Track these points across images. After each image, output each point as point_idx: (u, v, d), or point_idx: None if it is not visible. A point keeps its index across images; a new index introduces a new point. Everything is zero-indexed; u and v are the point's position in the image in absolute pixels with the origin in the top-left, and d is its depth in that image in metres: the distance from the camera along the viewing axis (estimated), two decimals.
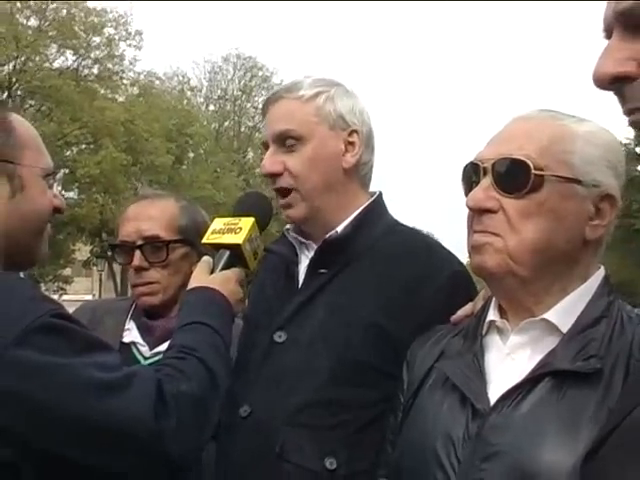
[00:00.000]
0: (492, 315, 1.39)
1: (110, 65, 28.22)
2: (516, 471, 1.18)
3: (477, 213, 1.35)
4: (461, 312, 1.55)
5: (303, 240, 1.84)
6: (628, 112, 0.93)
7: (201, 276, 1.67)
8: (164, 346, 1.97)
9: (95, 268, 40.50)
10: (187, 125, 33.82)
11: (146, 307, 2.12)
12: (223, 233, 1.72)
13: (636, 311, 1.33)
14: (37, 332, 1.23)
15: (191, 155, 36.97)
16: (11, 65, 24.62)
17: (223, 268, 1.69)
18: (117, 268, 32.98)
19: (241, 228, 1.71)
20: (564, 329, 1.29)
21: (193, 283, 1.66)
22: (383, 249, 1.77)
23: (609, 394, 1.17)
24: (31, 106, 25.75)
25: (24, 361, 1.21)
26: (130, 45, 28.40)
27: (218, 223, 1.76)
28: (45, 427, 1.22)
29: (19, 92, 25.23)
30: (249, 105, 44.76)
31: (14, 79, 24.65)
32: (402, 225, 1.91)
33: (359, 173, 1.82)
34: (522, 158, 1.31)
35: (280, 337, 1.74)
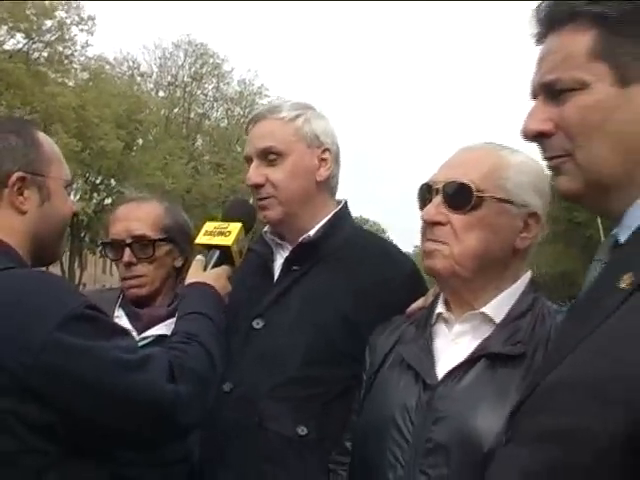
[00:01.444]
0: (440, 308, 1.69)
1: (60, 48, 27.75)
2: (458, 431, 1.48)
3: (429, 225, 1.65)
4: (415, 305, 1.83)
5: (279, 241, 2.13)
6: (546, 159, 1.24)
7: (197, 273, 1.92)
8: (150, 331, 2.24)
9: None
10: (137, 111, 33.44)
11: (134, 298, 2.36)
12: (214, 235, 1.96)
13: (554, 306, 1.66)
14: (74, 320, 1.49)
15: (140, 142, 36.56)
16: None
17: (214, 266, 1.94)
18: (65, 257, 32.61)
19: (230, 232, 1.95)
20: (497, 320, 1.59)
21: (190, 279, 1.91)
22: (349, 250, 2.06)
23: (531, 371, 1.47)
24: None
25: (64, 343, 1.45)
26: (82, 30, 28.00)
27: (209, 226, 2.00)
28: (79, 396, 1.47)
29: None
30: (199, 92, 44.45)
31: None
32: (364, 230, 2.23)
33: (329, 185, 2.12)
34: (467, 182, 1.61)
35: (258, 324, 2.02)
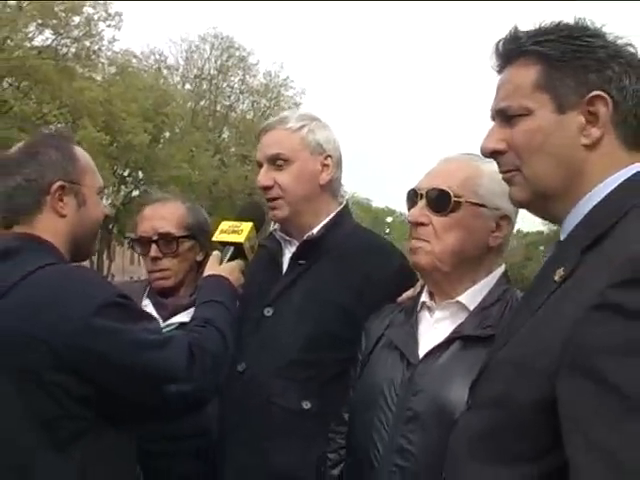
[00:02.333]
0: (424, 297, 1.95)
1: (88, 43, 28.04)
2: (433, 403, 1.74)
3: (414, 225, 1.91)
4: (405, 295, 2.09)
5: (287, 238, 2.39)
6: (501, 172, 1.49)
7: (213, 266, 2.18)
8: (174, 319, 2.51)
9: None
10: (164, 105, 33.54)
11: (160, 289, 2.62)
12: (229, 233, 2.22)
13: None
14: (108, 307, 1.75)
15: (167, 134, 36.74)
16: None
17: (229, 260, 2.20)
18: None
19: (242, 230, 2.22)
20: (471, 308, 1.85)
21: (208, 272, 2.17)
22: (348, 246, 2.32)
23: None
24: (10, 85, 25.60)
25: (99, 327, 1.72)
26: (109, 25, 28.28)
27: (224, 225, 2.26)
28: (111, 372, 1.73)
29: None
30: (225, 85, 44.50)
31: None
32: (363, 228, 2.50)
33: (331, 187, 2.38)
34: (446, 189, 1.87)
35: (268, 312, 2.29)
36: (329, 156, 2.35)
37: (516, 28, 1.45)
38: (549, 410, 1.18)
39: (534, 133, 1.39)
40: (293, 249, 2.36)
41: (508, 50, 1.45)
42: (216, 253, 2.23)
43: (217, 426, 2.37)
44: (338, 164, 2.39)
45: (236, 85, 45.27)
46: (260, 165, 2.37)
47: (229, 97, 45.14)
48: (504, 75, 1.47)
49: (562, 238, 1.41)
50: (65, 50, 27.27)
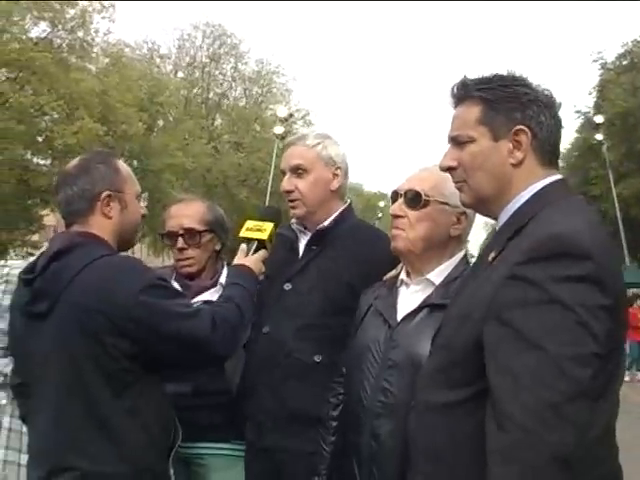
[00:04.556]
0: (403, 275, 2.49)
1: (81, 34, 28.02)
2: (408, 354, 2.27)
3: (394, 217, 2.45)
4: (389, 274, 2.60)
5: (302, 229, 2.98)
6: (454, 182, 2.01)
7: (240, 258, 2.67)
8: (197, 298, 2.98)
9: None
10: (158, 94, 33.52)
11: (185, 274, 3.12)
12: (253, 231, 2.70)
13: None
14: (150, 287, 2.23)
15: (161, 123, 36.79)
16: None
17: (253, 253, 2.69)
18: None
19: (265, 229, 2.71)
20: (437, 283, 2.39)
21: (236, 262, 2.65)
22: (352, 236, 2.90)
23: None
24: (7, 77, 25.73)
25: (145, 302, 2.17)
26: (104, 17, 28.38)
27: (250, 224, 2.72)
28: (155, 336, 2.20)
29: None
30: (217, 72, 44.36)
31: None
32: (363, 221, 3.19)
33: (340, 192, 2.97)
34: (419, 190, 2.40)
35: (288, 287, 2.87)
36: (339, 167, 2.94)
37: (465, 77, 1.97)
38: (479, 349, 1.71)
39: (476, 155, 1.91)
40: (307, 238, 2.95)
41: (459, 93, 1.97)
42: (243, 246, 2.71)
43: (245, 377, 2.92)
44: (345, 174, 2.98)
45: (228, 73, 45.01)
46: (284, 173, 2.94)
47: (221, 85, 44.94)
48: (456, 111, 1.98)
49: (497, 230, 1.95)
50: (60, 42, 27.35)
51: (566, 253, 1.64)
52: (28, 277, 2.29)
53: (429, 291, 2.39)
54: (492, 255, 1.84)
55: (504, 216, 1.91)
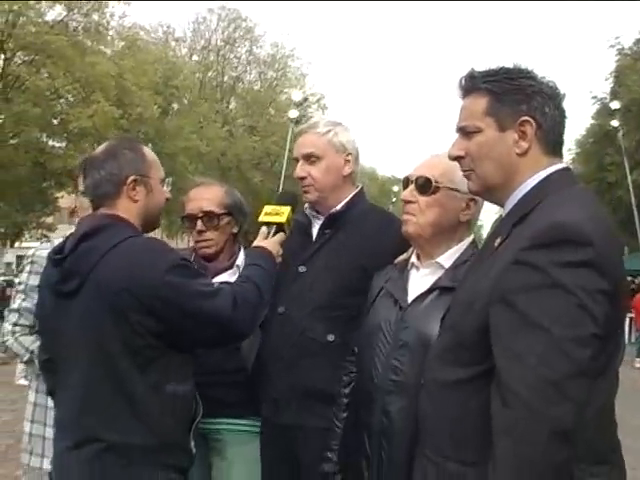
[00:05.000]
0: (413, 259, 2.58)
1: (96, 17, 28.11)
2: (417, 335, 2.36)
3: (405, 203, 2.53)
4: (400, 257, 2.69)
5: (315, 214, 3.08)
6: (462, 171, 2.10)
7: (260, 240, 2.77)
8: (215, 279, 3.02)
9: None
10: (173, 77, 33.64)
11: (204, 255, 3.22)
12: (272, 215, 2.82)
13: None
14: (175, 267, 2.32)
15: (175, 106, 36.83)
16: (3, 19, 24.64)
17: (272, 235, 2.79)
18: None
19: (283, 213, 2.82)
20: (447, 266, 2.47)
21: (255, 244, 2.75)
22: (363, 220, 3.00)
23: None
24: (23, 61, 25.81)
25: (170, 281, 2.26)
26: (119, 1, 28.47)
27: (268, 208, 2.84)
28: (179, 313, 2.29)
29: (11, 45, 25.13)
30: (232, 56, 44.52)
31: (7, 33, 24.74)
32: (375, 205, 3.23)
33: (351, 177, 3.06)
34: (429, 177, 2.48)
35: (302, 269, 2.98)
36: (350, 153, 3.03)
37: (473, 69, 2.06)
38: (485, 331, 1.81)
39: (483, 145, 2.00)
40: (320, 222, 3.05)
41: (467, 85, 2.06)
42: (263, 229, 2.81)
43: (260, 355, 3.03)
44: (356, 159, 3.07)
45: (243, 56, 45.14)
46: (297, 160, 3.04)
47: (236, 68, 45.09)
48: (464, 102, 2.06)
49: (503, 216, 2.04)
50: (75, 25, 27.39)
51: (568, 240, 1.73)
52: (57, 257, 2.40)
53: (439, 274, 2.48)
54: (498, 241, 1.94)
55: (510, 203, 2.00)
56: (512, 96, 1.98)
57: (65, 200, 34.40)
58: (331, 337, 2.87)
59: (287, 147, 31.89)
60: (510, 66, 2.04)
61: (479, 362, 1.86)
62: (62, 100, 27.44)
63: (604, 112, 35.38)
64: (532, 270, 1.74)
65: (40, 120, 25.18)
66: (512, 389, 1.70)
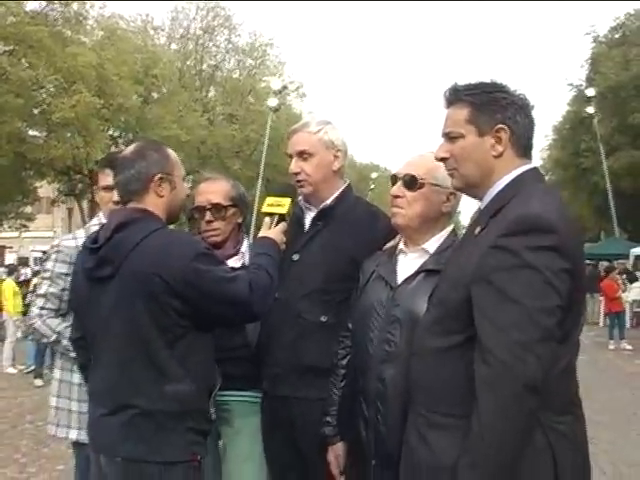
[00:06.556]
0: (401, 245, 2.91)
1: (75, 7, 28.14)
2: (407, 311, 2.68)
3: (394, 197, 2.85)
4: (388, 245, 3.03)
5: (308, 206, 3.38)
6: (447, 170, 2.44)
7: (265, 230, 3.03)
8: None
9: (64, 205, 40.52)
10: (152, 66, 33.51)
11: (212, 243, 3.41)
12: (274, 206, 3.06)
13: None
14: (200, 255, 2.60)
15: (155, 96, 36.70)
16: None
17: (275, 225, 3.04)
18: (85, 205, 33.27)
19: (284, 204, 3.06)
20: (431, 251, 2.81)
21: (260, 234, 3.01)
22: (352, 212, 3.31)
23: None
24: (4, 52, 25.73)
25: (196, 268, 2.51)
26: None
27: (270, 200, 3.05)
28: (204, 296, 2.56)
29: None
30: (211, 44, 44.55)
31: None
32: (360, 198, 3.51)
33: (340, 172, 3.36)
34: (415, 174, 2.81)
35: (296, 257, 3.27)
36: (339, 150, 3.33)
37: (456, 84, 2.39)
38: (469, 304, 2.16)
39: (465, 149, 2.34)
40: (313, 214, 3.35)
41: (451, 97, 2.39)
42: (267, 220, 3.03)
43: (261, 335, 3.34)
44: (345, 155, 3.37)
45: (222, 45, 45.03)
46: (290, 157, 3.33)
47: (215, 57, 45.13)
48: (448, 112, 2.39)
49: (481, 209, 2.39)
50: (55, 15, 27.35)
51: (537, 228, 2.09)
52: (93, 246, 2.70)
53: (424, 258, 2.80)
54: (477, 230, 2.28)
55: (487, 198, 2.34)
56: (489, 107, 2.32)
57: (44, 190, 34.24)
58: (324, 318, 3.17)
59: (267, 135, 32.03)
60: (487, 81, 2.39)
61: (463, 331, 2.20)
62: (43, 90, 27.32)
63: (580, 99, 35.77)
64: (508, 253, 2.09)
65: (22, 110, 25.18)
66: (491, 351, 2.05)
